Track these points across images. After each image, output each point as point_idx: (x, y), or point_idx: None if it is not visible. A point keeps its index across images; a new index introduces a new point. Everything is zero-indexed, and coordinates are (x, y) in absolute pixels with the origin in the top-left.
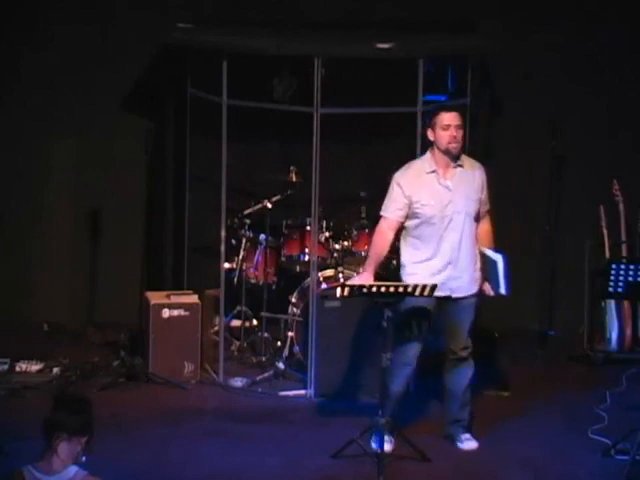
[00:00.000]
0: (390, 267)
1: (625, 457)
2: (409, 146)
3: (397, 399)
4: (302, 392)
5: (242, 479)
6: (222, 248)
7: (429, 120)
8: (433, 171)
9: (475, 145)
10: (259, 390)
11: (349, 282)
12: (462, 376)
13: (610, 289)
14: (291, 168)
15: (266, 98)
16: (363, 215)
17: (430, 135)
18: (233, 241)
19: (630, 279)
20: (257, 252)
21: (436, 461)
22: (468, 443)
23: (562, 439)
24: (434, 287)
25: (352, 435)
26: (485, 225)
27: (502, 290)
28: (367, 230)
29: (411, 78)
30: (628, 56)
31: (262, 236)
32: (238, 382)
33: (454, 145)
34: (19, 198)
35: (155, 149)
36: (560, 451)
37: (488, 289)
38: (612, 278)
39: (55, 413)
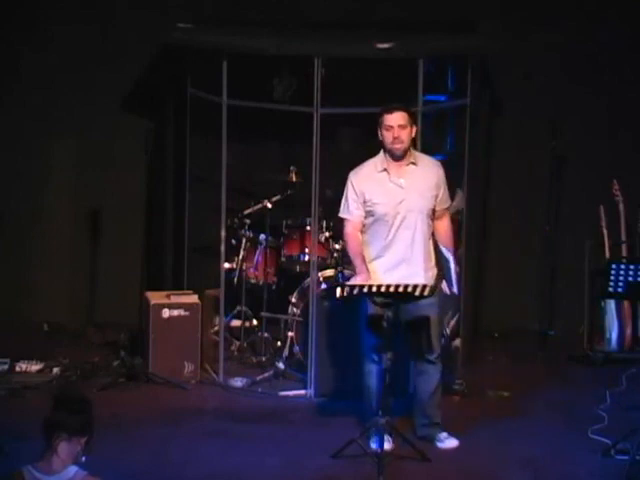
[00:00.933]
0: None
1: (625, 457)
2: None
3: (375, 397)
4: (302, 392)
5: (242, 479)
6: (222, 248)
7: (377, 120)
8: (384, 170)
9: (475, 145)
10: (259, 390)
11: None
12: (432, 378)
13: (610, 289)
14: (291, 168)
15: (266, 98)
16: None
17: (379, 135)
18: (233, 241)
19: (630, 279)
20: (257, 252)
21: (436, 461)
22: (449, 441)
23: (562, 439)
24: (434, 287)
25: (352, 435)
26: (443, 223)
27: (455, 289)
28: None
29: (411, 78)
30: (628, 56)
31: (262, 236)
32: (238, 382)
33: (397, 146)
34: (19, 198)
35: (155, 149)
36: (560, 451)
37: (445, 287)
38: (612, 278)
39: (55, 413)
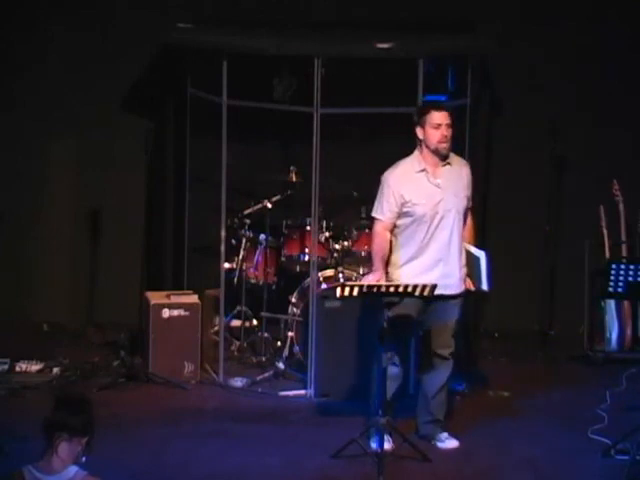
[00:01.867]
0: None
1: (625, 457)
2: (409, 146)
3: (390, 399)
4: (302, 392)
5: (242, 479)
6: (222, 248)
7: (418, 118)
8: (422, 170)
9: (475, 145)
10: (259, 390)
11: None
12: (442, 375)
13: (610, 289)
14: (291, 168)
15: (266, 98)
16: (363, 215)
17: (419, 133)
18: (233, 241)
19: (630, 279)
20: (257, 252)
21: (436, 461)
22: (449, 442)
23: (562, 439)
24: (434, 287)
25: (352, 435)
26: (468, 221)
27: (484, 286)
28: (367, 230)
29: (411, 78)
30: (628, 56)
31: (262, 236)
32: (238, 382)
33: (444, 145)
34: (19, 198)
35: (155, 149)
36: (560, 451)
37: (469, 284)
38: (612, 278)
39: (56, 413)
